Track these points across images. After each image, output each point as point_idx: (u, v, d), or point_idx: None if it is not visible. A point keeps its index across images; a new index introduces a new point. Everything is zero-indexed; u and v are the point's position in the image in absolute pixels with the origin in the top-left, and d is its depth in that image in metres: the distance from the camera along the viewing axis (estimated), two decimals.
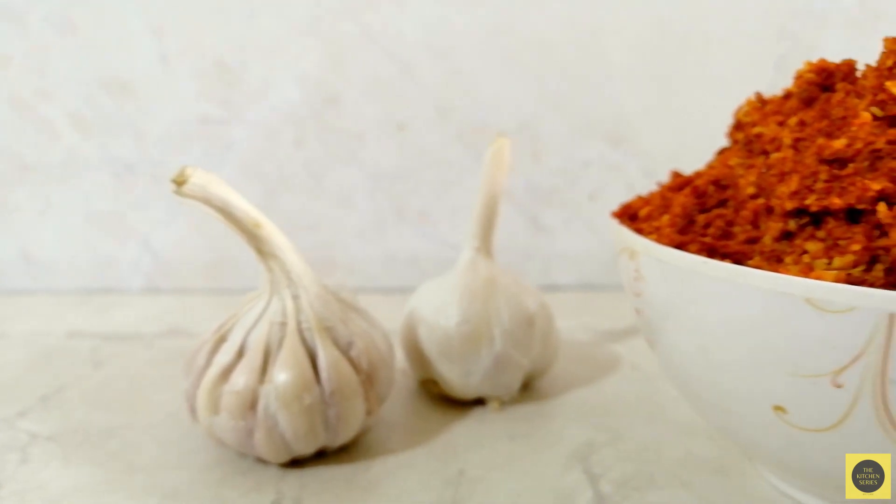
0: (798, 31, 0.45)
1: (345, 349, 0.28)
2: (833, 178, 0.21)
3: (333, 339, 0.28)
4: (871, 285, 0.19)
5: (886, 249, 0.19)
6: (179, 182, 0.25)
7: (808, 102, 0.25)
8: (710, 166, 0.27)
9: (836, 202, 0.20)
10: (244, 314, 0.28)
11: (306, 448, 0.27)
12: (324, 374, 0.27)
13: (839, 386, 0.19)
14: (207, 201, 0.26)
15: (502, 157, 0.33)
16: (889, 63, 0.24)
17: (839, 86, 0.24)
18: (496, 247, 0.33)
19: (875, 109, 0.22)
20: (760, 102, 0.27)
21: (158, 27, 0.44)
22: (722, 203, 0.24)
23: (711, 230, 0.22)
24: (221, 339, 0.28)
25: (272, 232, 0.27)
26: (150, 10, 0.44)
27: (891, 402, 0.19)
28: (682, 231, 0.23)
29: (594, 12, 0.46)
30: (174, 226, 0.46)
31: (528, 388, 0.34)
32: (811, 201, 0.21)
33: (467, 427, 0.31)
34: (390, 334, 0.31)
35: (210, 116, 0.45)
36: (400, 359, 0.34)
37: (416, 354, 0.32)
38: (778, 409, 0.21)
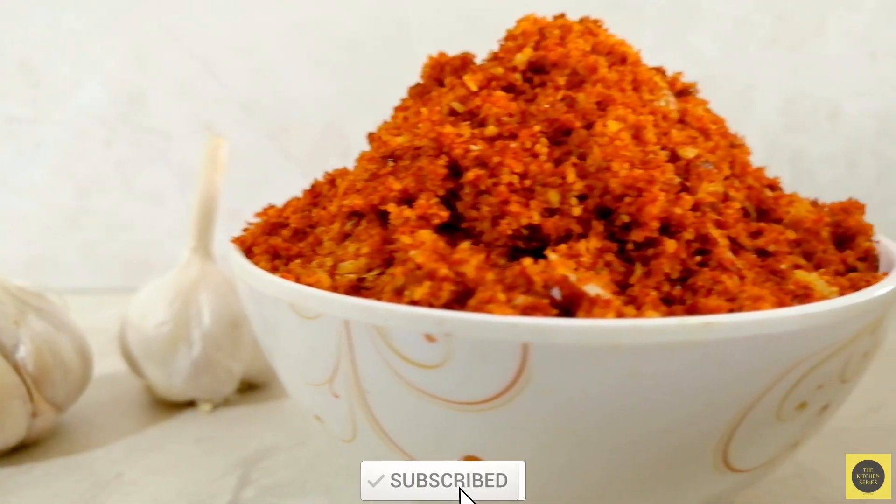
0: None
1: (9, 351, 0.28)
2: (373, 177, 0.20)
3: None
4: (374, 289, 0.18)
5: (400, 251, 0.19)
6: None
7: (421, 96, 0.24)
8: None
9: (357, 203, 0.19)
10: None
11: None
12: None
13: (337, 396, 0.18)
14: None
15: (217, 157, 0.32)
16: (490, 56, 0.23)
17: (447, 80, 0.23)
18: None
19: (456, 105, 0.21)
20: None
21: None
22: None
23: (284, 232, 0.22)
24: None
25: None
26: None
27: (375, 412, 0.18)
28: (270, 233, 0.22)
29: (400, 7, 0.45)
30: None
31: (256, 390, 0.33)
32: (347, 202, 0.20)
33: (163, 429, 0.30)
34: None
35: (17, 116, 0.46)
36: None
37: (127, 356, 0.32)
38: (318, 418, 0.20)
